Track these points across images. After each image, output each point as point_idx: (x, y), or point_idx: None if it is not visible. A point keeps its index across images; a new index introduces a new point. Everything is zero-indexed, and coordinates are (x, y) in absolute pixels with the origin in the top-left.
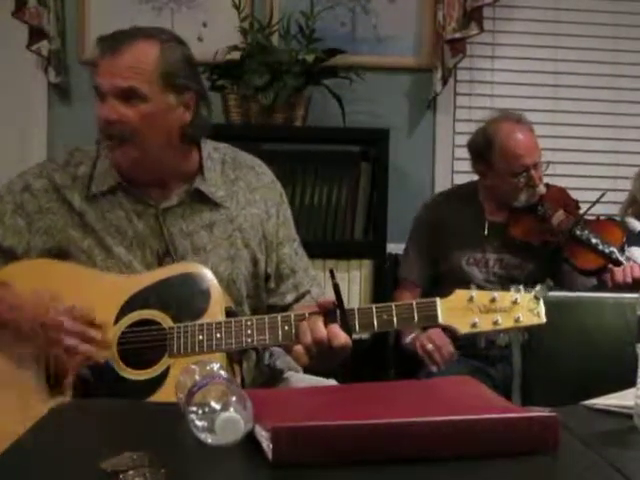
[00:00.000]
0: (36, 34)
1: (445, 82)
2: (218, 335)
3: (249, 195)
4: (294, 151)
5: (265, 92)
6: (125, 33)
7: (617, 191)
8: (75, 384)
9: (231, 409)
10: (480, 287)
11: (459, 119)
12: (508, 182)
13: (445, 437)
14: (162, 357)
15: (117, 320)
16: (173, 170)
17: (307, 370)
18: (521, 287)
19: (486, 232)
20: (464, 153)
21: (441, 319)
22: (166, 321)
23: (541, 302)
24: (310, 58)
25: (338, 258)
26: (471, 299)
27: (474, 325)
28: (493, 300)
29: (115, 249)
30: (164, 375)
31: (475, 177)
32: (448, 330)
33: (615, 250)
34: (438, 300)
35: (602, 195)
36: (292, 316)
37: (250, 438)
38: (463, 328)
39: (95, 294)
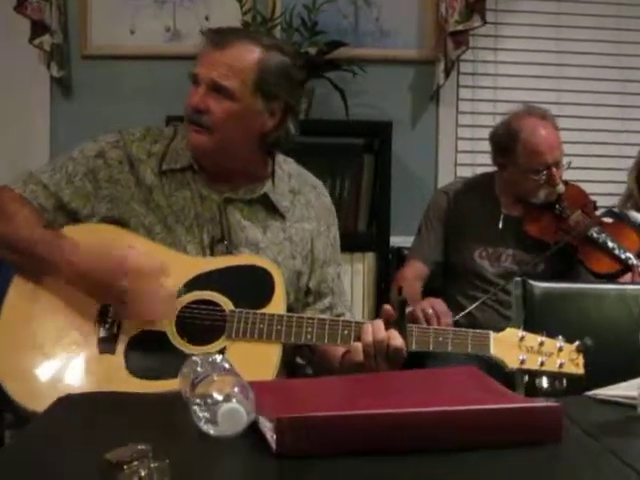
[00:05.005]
0: (38, 28)
1: (448, 74)
2: (278, 327)
3: (305, 211)
4: (297, 144)
5: None
6: (233, 31)
7: (622, 183)
8: (127, 345)
9: (233, 400)
10: (490, 281)
11: (462, 111)
12: (528, 178)
13: (449, 428)
14: (219, 337)
15: (179, 295)
16: (242, 169)
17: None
18: (560, 337)
19: (501, 226)
20: (467, 145)
21: (493, 351)
22: (227, 305)
23: (581, 354)
24: (313, 51)
25: (341, 250)
26: (522, 338)
27: (522, 362)
28: (542, 344)
29: (176, 228)
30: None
31: (478, 170)
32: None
33: (631, 256)
34: (491, 333)
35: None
36: (353, 322)
37: (254, 429)
38: (512, 363)
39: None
